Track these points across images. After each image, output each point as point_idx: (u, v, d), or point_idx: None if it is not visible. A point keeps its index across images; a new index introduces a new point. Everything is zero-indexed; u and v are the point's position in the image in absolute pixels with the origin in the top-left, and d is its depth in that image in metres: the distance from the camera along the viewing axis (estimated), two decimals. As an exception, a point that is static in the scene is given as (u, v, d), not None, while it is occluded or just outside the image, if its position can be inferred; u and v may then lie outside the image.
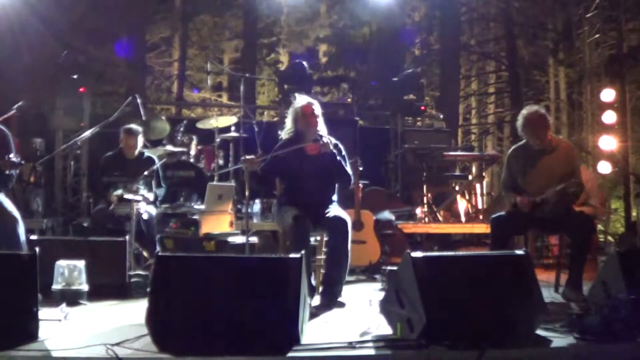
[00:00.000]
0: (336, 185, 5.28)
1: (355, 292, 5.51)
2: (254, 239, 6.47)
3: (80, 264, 4.85)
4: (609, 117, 9.59)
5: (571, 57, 11.63)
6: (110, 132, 6.70)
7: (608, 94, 9.64)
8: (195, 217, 6.69)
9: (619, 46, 10.74)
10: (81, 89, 8.47)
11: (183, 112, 17.27)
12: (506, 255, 4.41)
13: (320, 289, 4.96)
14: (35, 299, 3.66)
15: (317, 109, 5.23)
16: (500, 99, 18.67)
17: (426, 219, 8.50)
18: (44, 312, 3.85)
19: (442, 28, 15.05)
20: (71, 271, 4.80)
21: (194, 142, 8.07)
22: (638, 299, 3.86)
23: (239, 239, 6.37)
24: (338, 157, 5.11)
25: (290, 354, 3.41)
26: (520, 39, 15.53)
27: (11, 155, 4.98)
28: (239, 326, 3.52)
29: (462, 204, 8.98)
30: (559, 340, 3.80)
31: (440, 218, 8.75)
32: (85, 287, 4.84)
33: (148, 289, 3.73)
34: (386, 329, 3.90)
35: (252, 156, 5.05)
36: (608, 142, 9.53)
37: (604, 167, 9.55)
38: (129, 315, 4.41)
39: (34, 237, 5.58)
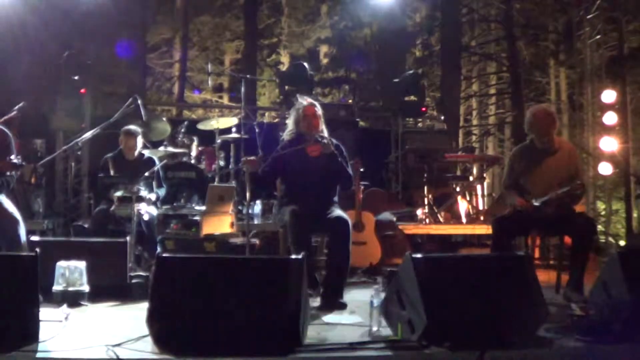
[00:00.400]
0: (337, 187, 5.28)
1: (356, 293, 5.50)
2: (254, 240, 6.47)
3: (81, 265, 4.85)
4: (610, 118, 9.58)
5: (572, 58, 11.60)
6: (111, 133, 6.69)
7: (609, 95, 9.63)
8: (196, 218, 6.69)
9: (619, 47, 10.74)
10: (82, 90, 8.47)
11: (184, 113, 17.28)
12: (507, 256, 4.41)
13: (321, 290, 4.95)
14: (36, 300, 3.65)
15: (319, 111, 5.23)
16: (501, 100, 18.67)
17: (427, 220, 8.51)
18: (44, 313, 3.84)
19: (443, 29, 15.06)
20: (72, 272, 4.80)
21: (195, 143, 8.07)
22: (639, 300, 3.86)
23: (240, 240, 6.37)
24: (339, 159, 5.11)
25: (291, 355, 3.41)
26: (521, 40, 15.54)
27: (12, 157, 4.98)
28: (240, 327, 3.52)
29: (462, 205, 8.99)
30: (560, 341, 3.80)
31: (441, 219, 8.76)
32: (85, 288, 4.83)
33: (149, 290, 3.73)
34: (387, 330, 3.90)
35: (253, 157, 5.05)
36: (609, 143, 9.52)
37: (605, 168, 9.54)
38: (130, 316, 4.41)
39: (34, 238, 5.57)
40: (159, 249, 6.14)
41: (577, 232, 5.21)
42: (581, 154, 9.06)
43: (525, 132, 5.53)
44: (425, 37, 17.31)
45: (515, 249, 5.58)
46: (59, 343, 3.59)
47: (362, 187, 7.17)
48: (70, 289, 4.77)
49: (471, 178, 9.62)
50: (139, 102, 6.19)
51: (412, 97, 9.95)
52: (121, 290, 5.19)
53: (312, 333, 3.92)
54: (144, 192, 5.95)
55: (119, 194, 5.96)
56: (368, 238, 6.71)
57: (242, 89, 8.10)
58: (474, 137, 19.17)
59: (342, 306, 4.80)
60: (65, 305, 4.54)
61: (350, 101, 10.38)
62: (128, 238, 5.54)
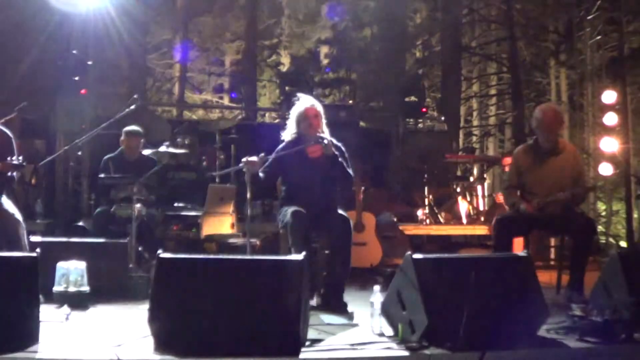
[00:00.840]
0: (337, 188, 5.28)
1: (356, 293, 5.51)
2: (255, 241, 6.47)
3: (82, 265, 4.85)
4: (610, 118, 9.58)
5: (572, 58, 11.59)
6: (112, 133, 6.70)
7: (609, 96, 9.63)
8: (197, 218, 6.70)
9: (620, 48, 10.73)
10: (82, 91, 8.47)
11: (184, 113, 17.28)
12: (507, 256, 4.41)
13: (322, 290, 4.95)
14: (37, 300, 3.65)
15: (320, 111, 5.23)
16: (501, 100, 18.64)
17: (427, 221, 8.51)
18: (45, 314, 3.85)
19: (443, 30, 15.05)
20: (72, 273, 4.80)
21: (196, 144, 8.07)
22: (639, 300, 3.86)
23: (240, 241, 6.37)
24: (340, 159, 5.10)
25: (291, 356, 3.41)
26: (521, 40, 15.52)
27: (12, 157, 4.98)
28: (241, 328, 3.52)
29: (463, 206, 8.98)
30: (561, 342, 3.80)
31: (442, 220, 8.76)
32: (86, 289, 4.83)
33: (149, 291, 3.73)
34: (388, 331, 3.90)
35: (253, 158, 5.04)
36: (609, 144, 9.52)
37: (605, 169, 9.54)
38: (131, 317, 4.41)
39: (35, 238, 5.56)
40: (159, 250, 6.13)
41: (578, 232, 5.22)
42: (581, 155, 9.06)
43: (528, 131, 5.56)
44: (425, 38, 17.29)
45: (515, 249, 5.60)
46: (59, 344, 3.59)
47: (363, 188, 7.17)
48: (71, 289, 4.77)
49: (472, 179, 9.62)
50: (140, 102, 6.20)
51: (413, 98, 9.96)
52: (122, 290, 5.19)
53: (313, 333, 3.92)
54: (144, 193, 5.95)
55: (119, 194, 5.96)
56: (368, 239, 6.71)
57: (243, 90, 8.12)
58: (474, 138, 19.15)
59: (343, 307, 4.80)
60: (65, 306, 4.54)
61: (350, 102, 10.37)
62: (128, 239, 5.54)
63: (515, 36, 14.28)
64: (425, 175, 9.07)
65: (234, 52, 19.86)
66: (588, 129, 10.18)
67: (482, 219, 8.68)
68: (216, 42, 18.84)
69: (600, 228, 9.38)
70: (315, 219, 4.97)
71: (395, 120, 10.15)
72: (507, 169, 8.26)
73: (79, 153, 8.39)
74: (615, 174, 9.85)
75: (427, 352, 3.51)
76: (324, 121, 5.25)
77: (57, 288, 4.77)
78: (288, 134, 5.32)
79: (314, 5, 16.93)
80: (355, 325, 4.34)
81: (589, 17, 10.01)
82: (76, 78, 8.38)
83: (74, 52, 8.50)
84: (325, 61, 18.72)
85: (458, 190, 9.34)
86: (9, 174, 5.10)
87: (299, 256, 3.76)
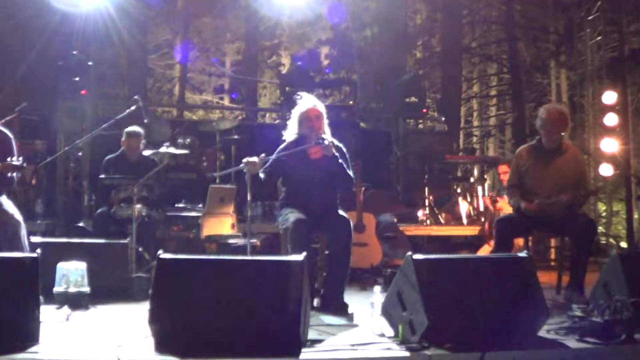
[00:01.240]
0: (338, 188, 5.27)
1: (356, 294, 5.51)
2: (255, 241, 6.47)
3: (82, 266, 4.85)
4: (611, 119, 9.58)
5: (572, 59, 11.58)
6: (112, 134, 6.70)
7: (610, 97, 9.63)
8: (197, 219, 6.69)
9: (620, 48, 10.73)
10: (82, 91, 8.47)
11: (185, 114, 17.27)
12: (508, 257, 4.41)
13: (322, 291, 4.95)
14: (37, 301, 3.66)
15: (322, 112, 5.22)
16: (501, 101, 18.64)
17: (428, 222, 8.51)
18: (45, 315, 3.85)
19: (443, 31, 15.06)
20: (73, 273, 4.80)
21: (196, 145, 8.07)
22: (639, 300, 3.86)
23: (241, 241, 6.36)
24: (340, 160, 5.10)
25: (292, 356, 3.41)
26: (521, 41, 15.53)
27: (13, 158, 4.98)
28: (241, 328, 3.52)
29: (463, 206, 8.98)
30: (561, 342, 3.80)
31: (442, 220, 8.76)
32: (87, 290, 4.83)
33: (150, 291, 3.73)
34: (388, 331, 3.90)
35: (254, 158, 5.04)
36: (610, 145, 9.52)
37: (606, 170, 9.54)
38: (131, 318, 4.41)
39: (35, 239, 5.58)
40: (159, 250, 6.13)
41: (578, 233, 5.22)
42: (582, 155, 9.07)
43: (528, 132, 5.57)
44: (426, 39, 17.30)
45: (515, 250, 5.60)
46: (59, 344, 3.59)
47: (363, 189, 7.17)
48: (71, 290, 4.77)
49: (472, 179, 9.62)
50: (140, 103, 6.20)
51: (413, 99, 9.95)
52: (122, 291, 5.20)
53: (313, 334, 3.92)
54: (145, 193, 5.95)
55: (120, 195, 5.96)
56: (369, 239, 6.71)
57: (243, 90, 8.12)
58: (474, 139, 19.15)
59: (343, 307, 4.80)
60: (66, 307, 4.54)
61: (351, 103, 10.37)
62: (129, 239, 5.54)
63: (516, 37, 14.31)
64: (426, 176, 9.06)
65: (235, 52, 19.86)
66: (588, 130, 10.18)
67: (482, 219, 8.68)
68: (217, 42, 18.84)
69: (600, 229, 9.37)
70: (316, 220, 4.97)
71: (395, 121, 10.14)
72: (502, 176, 8.29)
73: (80, 154, 8.40)
74: (615, 174, 9.85)
75: (427, 352, 3.51)
76: (325, 122, 5.24)
77: (57, 289, 4.77)
78: (289, 133, 5.31)
79: (315, 6, 16.92)
80: (356, 325, 4.34)
81: (589, 18, 10.01)
82: (76, 78, 8.37)
83: (74, 52, 8.50)
84: (325, 62, 18.72)
85: (458, 190, 9.34)
86: (9, 174, 5.10)
87: (300, 257, 3.76)
